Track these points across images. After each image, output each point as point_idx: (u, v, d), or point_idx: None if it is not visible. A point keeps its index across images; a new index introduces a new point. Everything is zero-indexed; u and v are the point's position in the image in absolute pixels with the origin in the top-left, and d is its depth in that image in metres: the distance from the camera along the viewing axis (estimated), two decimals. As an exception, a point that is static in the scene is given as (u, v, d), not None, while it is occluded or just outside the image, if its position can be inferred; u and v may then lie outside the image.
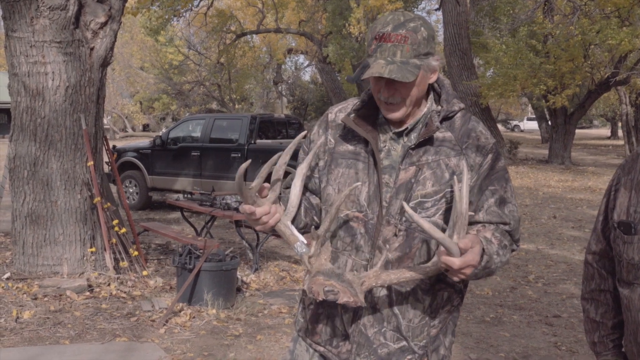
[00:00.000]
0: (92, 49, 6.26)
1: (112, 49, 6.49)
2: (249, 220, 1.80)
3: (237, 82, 34.14)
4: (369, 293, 1.84)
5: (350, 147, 1.92)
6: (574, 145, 23.19)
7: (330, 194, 1.92)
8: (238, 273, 5.89)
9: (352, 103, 1.99)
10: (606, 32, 15.97)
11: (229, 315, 5.29)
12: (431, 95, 1.92)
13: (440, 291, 1.87)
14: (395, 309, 1.85)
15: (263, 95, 43.89)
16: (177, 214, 11.02)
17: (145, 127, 46.97)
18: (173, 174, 11.61)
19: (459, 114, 1.89)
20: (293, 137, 12.00)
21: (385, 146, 1.89)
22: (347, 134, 1.93)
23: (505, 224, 1.85)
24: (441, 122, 1.85)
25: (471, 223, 1.81)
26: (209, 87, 33.40)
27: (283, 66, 38.16)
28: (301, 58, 41.22)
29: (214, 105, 36.00)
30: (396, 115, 1.83)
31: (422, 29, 1.77)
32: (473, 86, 20.07)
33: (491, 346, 4.75)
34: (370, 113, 1.91)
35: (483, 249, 1.72)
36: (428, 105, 1.91)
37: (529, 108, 47.10)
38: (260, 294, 5.97)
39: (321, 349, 1.96)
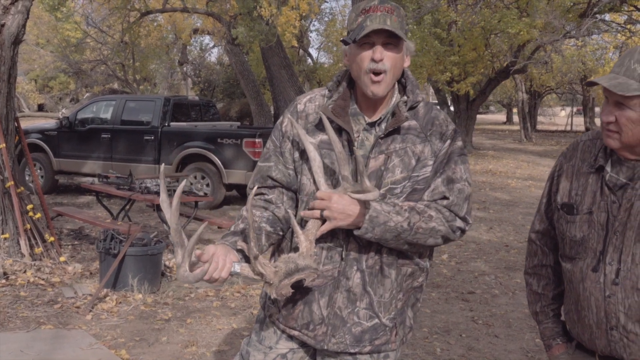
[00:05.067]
0: (2, 25, 5.96)
1: (24, 26, 6.19)
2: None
3: (141, 62, 33.09)
4: (344, 277, 1.94)
5: (324, 137, 1.96)
6: (474, 130, 24.23)
7: (305, 184, 1.98)
8: (163, 258, 5.83)
9: (319, 92, 2.06)
10: (506, 21, 16.74)
11: (156, 299, 5.25)
12: (397, 86, 2.02)
13: (403, 266, 1.98)
14: (368, 287, 1.95)
15: (168, 76, 42.80)
16: (86, 198, 10.68)
17: (41, 107, 44.68)
18: (82, 157, 11.20)
19: (421, 104, 2.00)
20: (207, 120, 11.91)
21: (358, 136, 1.97)
22: (320, 124, 1.97)
23: (444, 198, 1.95)
24: (407, 111, 1.96)
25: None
26: (112, 67, 32.19)
27: (189, 47, 37.33)
28: (207, 39, 40.48)
29: (116, 86, 34.75)
30: (380, 89, 1.89)
31: (401, 9, 1.90)
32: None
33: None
34: (345, 104, 1.98)
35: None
36: (395, 96, 2.00)
37: (431, 92, 48.57)
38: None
39: (296, 333, 2.01)
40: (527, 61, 19.02)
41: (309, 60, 33.58)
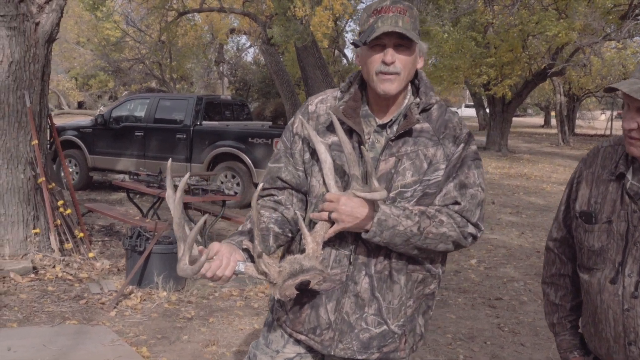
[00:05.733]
0: (37, 24, 6.06)
1: (58, 24, 6.29)
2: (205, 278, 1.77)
3: (178, 61, 33.48)
4: (352, 282, 1.90)
5: (334, 139, 1.92)
6: (510, 133, 23.88)
7: (315, 186, 1.95)
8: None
9: (331, 94, 2.02)
10: (544, 24, 16.45)
11: (180, 298, 5.27)
12: (409, 88, 1.97)
13: (414, 272, 1.94)
14: (376, 293, 1.91)
15: (204, 75, 43.22)
16: (119, 195, 10.82)
17: (81, 105, 45.54)
18: (115, 154, 11.38)
19: (435, 106, 1.95)
20: (239, 119, 11.97)
21: (369, 138, 1.93)
22: (331, 126, 1.94)
23: (456, 203, 1.90)
24: (420, 113, 1.91)
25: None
26: (149, 65, 32.63)
27: (225, 46, 37.63)
28: (244, 39, 40.76)
29: (154, 84, 35.22)
30: (392, 87, 1.85)
31: (414, 9, 1.85)
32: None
33: (438, 327, 4.91)
34: (356, 105, 1.94)
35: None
36: (408, 97, 1.96)
37: (467, 94, 48.10)
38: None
39: (303, 337, 1.98)
40: (565, 63, 18.65)
41: (344, 61, 33.52)
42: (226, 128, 10.78)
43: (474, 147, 1.96)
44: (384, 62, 1.82)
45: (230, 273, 1.74)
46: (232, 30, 34.81)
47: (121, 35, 32.18)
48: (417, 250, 1.88)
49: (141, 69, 33.73)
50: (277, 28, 21.97)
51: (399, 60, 1.83)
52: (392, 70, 1.83)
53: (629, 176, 1.79)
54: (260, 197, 2.03)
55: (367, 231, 1.82)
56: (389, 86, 1.85)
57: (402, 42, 1.83)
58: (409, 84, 1.96)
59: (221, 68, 39.86)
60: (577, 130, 36.64)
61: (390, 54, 1.82)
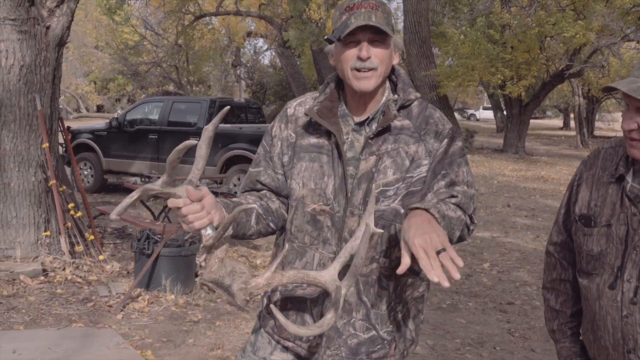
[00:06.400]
0: (48, 27, 6.09)
1: (68, 28, 6.32)
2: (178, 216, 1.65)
3: (195, 65, 33.67)
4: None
5: (312, 140, 1.90)
6: (527, 135, 23.68)
7: (294, 189, 1.91)
8: (197, 259, 5.84)
9: (310, 97, 2.00)
10: (562, 25, 16.28)
11: (188, 301, 5.26)
12: (388, 85, 1.94)
13: (403, 276, 1.88)
14: (363, 297, 1.86)
15: (221, 78, 43.41)
16: (133, 198, 10.85)
17: (100, 108, 45.97)
18: (129, 157, 11.43)
19: (415, 102, 1.91)
20: (252, 122, 11.98)
21: (348, 138, 1.90)
22: (309, 127, 1.92)
23: (452, 197, 1.83)
24: (398, 110, 1.87)
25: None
26: (167, 69, 32.86)
27: (242, 49, 37.78)
28: (260, 42, 40.90)
29: (171, 87, 35.46)
30: (369, 83, 1.81)
31: (387, 5, 1.83)
32: (432, 75, 20.26)
33: (447, 332, 4.85)
34: (333, 105, 1.91)
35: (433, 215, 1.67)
36: (386, 95, 1.92)
37: (485, 97, 47.80)
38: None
39: (290, 344, 1.94)
40: (583, 65, 18.44)
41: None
42: (239, 131, 10.78)
43: (459, 144, 1.91)
44: (359, 58, 1.79)
45: (199, 227, 1.62)
46: (249, 34, 34.99)
47: (139, 39, 32.45)
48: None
49: (159, 73, 33.96)
50: (292, 31, 22.05)
51: (374, 55, 1.80)
52: (368, 66, 1.79)
53: (629, 178, 1.73)
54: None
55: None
56: (366, 83, 1.81)
57: (377, 37, 1.80)
58: (387, 80, 1.93)
59: (238, 71, 40.03)
60: (597, 132, 36.24)
61: (365, 49, 1.79)
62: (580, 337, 1.97)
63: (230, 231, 1.66)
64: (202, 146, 1.59)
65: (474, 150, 21.92)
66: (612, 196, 1.76)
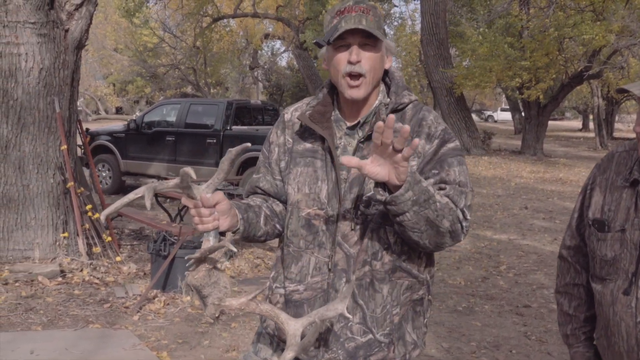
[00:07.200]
0: (67, 30, 6.17)
1: (87, 31, 6.39)
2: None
3: (213, 67, 33.85)
4: (333, 290, 1.85)
5: (307, 145, 1.92)
6: (546, 136, 23.48)
7: (290, 194, 1.93)
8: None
9: (306, 102, 2.01)
10: (581, 27, 16.14)
11: (204, 302, 5.28)
12: (383, 88, 1.94)
13: (399, 280, 1.87)
14: (359, 300, 1.86)
15: (239, 80, 43.58)
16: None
17: (119, 110, 46.38)
18: (147, 159, 11.52)
19: (410, 106, 1.90)
20: (269, 124, 12.01)
21: (341, 142, 1.90)
22: (304, 133, 1.94)
23: (440, 189, 1.78)
24: (391, 114, 1.86)
25: None
26: (185, 71, 33.05)
27: (259, 51, 37.91)
28: (278, 43, 41.04)
29: (189, 89, 35.66)
30: (360, 92, 1.82)
31: (378, 9, 1.83)
32: (449, 75, 20.19)
33: (463, 335, 4.82)
34: (326, 110, 1.92)
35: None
36: (379, 98, 1.92)
37: (503, 99, 47.50)
38: (234, 281, 5.97)
39: None
40: (602, 66, 18.26)
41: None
42: (256, 132, 10.81)
43: (452, 145, 1.86)
44: (349, 62, 1.80)
45: (202, 230, 1.67)
46: (267, 36, 35.12)
47: (158, 41, 32.66)
48: (425, 225, 1.71)
49: (177, 75, 34.17)
50: (309, 32, 22.12)
51: (364, 59, 1.80)
52: (357, 70, 1.80)
53: (643, 182, 1.71)
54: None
55: (402, 181, 1.62)
56: (356, 92, 1.82)
57: (367, 41, 1.80)
58: (381, 83, 1.93)
59: (255, 73, 40.16)
60: (616, 134, 35.83)
61: (355, 53, 1.79)
62: (594, 342, 1.96)
63: (237, 236, 1.70)
64: (225, 162, 1.62)
65: (492, 152, 21.79)
66: (626, 200, 1.74)
